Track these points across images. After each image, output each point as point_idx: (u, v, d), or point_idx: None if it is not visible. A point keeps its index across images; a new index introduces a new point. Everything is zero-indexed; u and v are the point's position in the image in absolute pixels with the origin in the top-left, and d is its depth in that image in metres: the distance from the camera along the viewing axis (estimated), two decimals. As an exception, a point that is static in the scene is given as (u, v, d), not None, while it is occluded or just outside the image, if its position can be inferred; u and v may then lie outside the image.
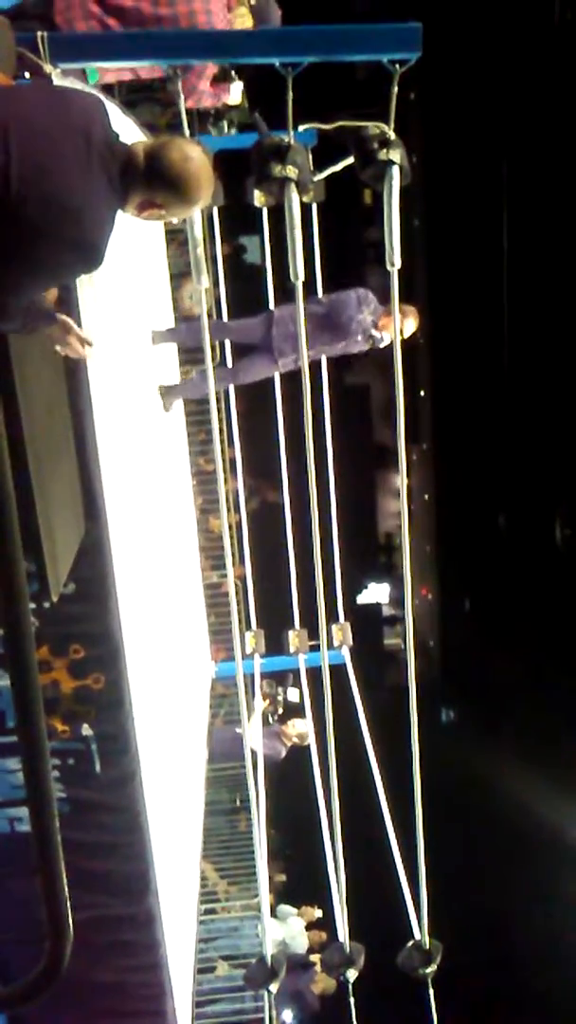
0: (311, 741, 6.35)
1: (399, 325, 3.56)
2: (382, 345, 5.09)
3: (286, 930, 7.46)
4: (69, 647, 3.28)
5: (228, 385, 5.80)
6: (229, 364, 6.05)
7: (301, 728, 6.81)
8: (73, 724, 3.37)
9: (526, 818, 14.67)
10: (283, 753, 6.84)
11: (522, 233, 17.69)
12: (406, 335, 4.90)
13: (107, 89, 4.13)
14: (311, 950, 7.29)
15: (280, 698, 7.18)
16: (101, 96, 2.34)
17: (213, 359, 4.13)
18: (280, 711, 7.18)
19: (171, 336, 5.52)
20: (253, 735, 6.01)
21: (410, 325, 4.92)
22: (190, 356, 6.74)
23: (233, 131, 4.88)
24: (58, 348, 2.46)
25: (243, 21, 3.85)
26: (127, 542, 3.58)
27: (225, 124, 4.87)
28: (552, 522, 18.90)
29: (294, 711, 7.10)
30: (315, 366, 5.95)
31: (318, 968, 6.72)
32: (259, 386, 5.80)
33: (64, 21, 3.39)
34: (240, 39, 3.08)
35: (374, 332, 5.05)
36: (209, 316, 4.03)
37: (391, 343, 3.96)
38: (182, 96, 3.11)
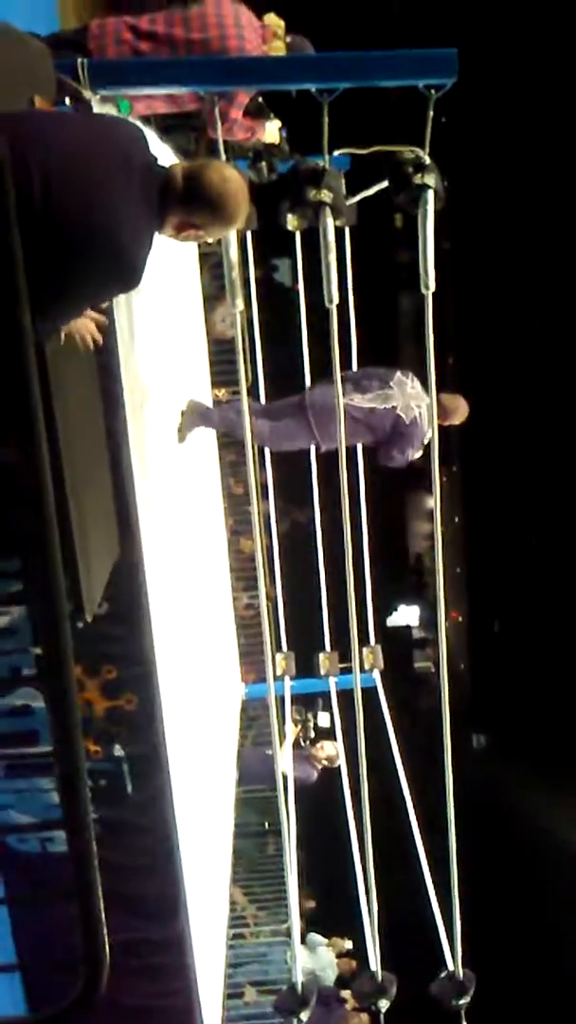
0: (341, 763, 6.31)
1: (443, 405, 3.36)
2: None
3: (315, 960, 7.36)
4: (102, 667, 3.29)
5: (263, 442, 5.31)
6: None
7: (330, 750, 6.76)
8: (105, 744, 3.37)
9: (562, 844, 14.41)
10: (314, 776, 6.79)
11: (555, 255, 17.66)
12: (456, 423, 4.77)
13: (144, 119, 4.19)
14: (341, 981, 7.19)
15: (311, 723, 7.14)
16: (139, 123, 2.38)
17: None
18: (311, 736, 7.13)
19: (203, 420, 5.05)
20: (284, 758, 5.97)
21: (461, 416, 4.75)
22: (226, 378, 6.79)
23: (273, 175, 4.87)
24: (75, 331, 2.42)
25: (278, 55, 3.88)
26: (160, 563, 3.59)
27: (264, 167, 4.88)
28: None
29: (324, 736, 7.06)
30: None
31: (348, 1004, 6.61)
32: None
33: (97, 48, 3.43)
34: (276, 64, 3.11)
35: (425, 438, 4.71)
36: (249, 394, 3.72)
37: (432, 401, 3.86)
38: (219, 123, 3.14)
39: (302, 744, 7.04)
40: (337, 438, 3.59)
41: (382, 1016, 4.11)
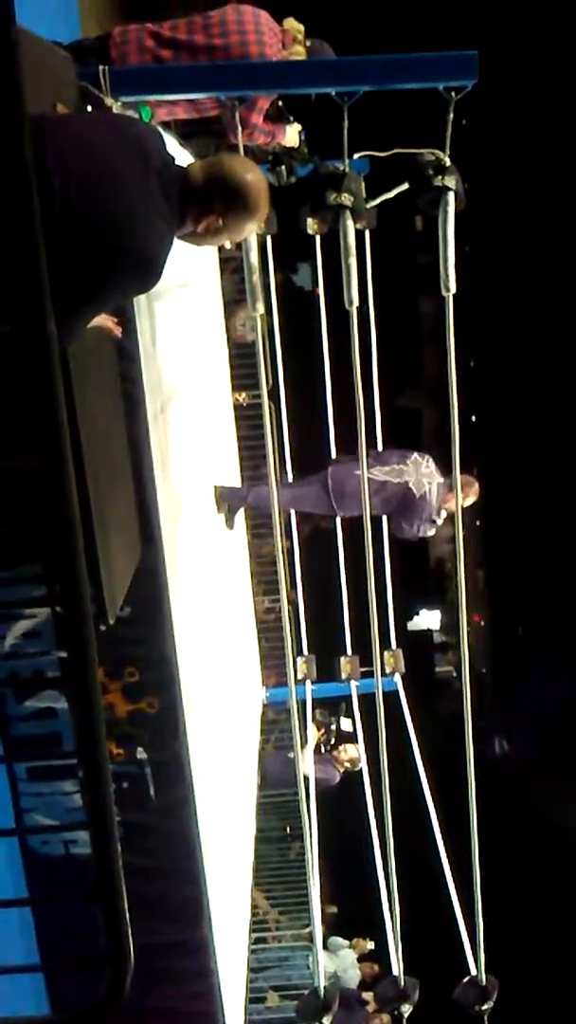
0: (363, 766, 6.29)
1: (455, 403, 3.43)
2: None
3: (337, 963, 7.34)
4: (124, 670, 3.30)
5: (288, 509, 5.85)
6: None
7: (352, 753, 6.76)
8: (128, 748, 3.38)
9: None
10: (336, 779, 6.78)
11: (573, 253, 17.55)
12: (466, 505, 4.79)
13: (164, 125, 4.21)
14: (363, 984, 7.16)
15: (333, 727, 7.13)
16: (157, 127, 2.39)
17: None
18: (333, 740, 7.12)
19: (233, 496, 5.40)
20: (306, 762, 5.97)
21: (472, 496, 4.84)
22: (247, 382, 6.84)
23: (292, 179, 4.89)
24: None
25: (298, 59, 3.88)
26: (181, 567, 3.60)
27: (284, 171, 4.89)
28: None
29: (347, 740, 7.05)
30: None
31: (370, 1006, 6.59)
32: (308, 424, 5.81)
33: (118, 56, 3.45)
34: (296, 69, 3.12)
35: (437, 516, 4.95)
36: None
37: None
38: (240, 128, 3.15)
39: (324, 750, 7.02)
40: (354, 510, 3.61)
41: (404, 1020, 4.10)
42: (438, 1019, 4.52)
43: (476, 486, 4.88)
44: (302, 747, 5.12)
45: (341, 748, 6.92)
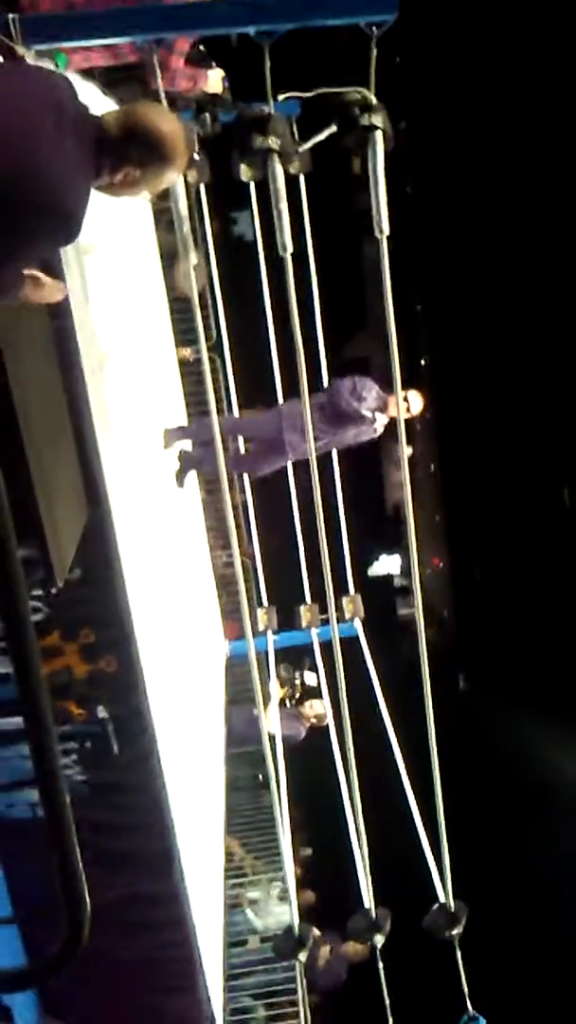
0: (329, 722, 6.37)
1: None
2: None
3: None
4: (79, 632, 3.30)
5: (243, 471, 5.95)
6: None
7: (319, 709, 6.82)
8: (88, 707, 3.40)
9: (549, 778, 14.75)
10: (302, 734, 6.85)
11: (522, 193, 17.47)
12: (414, 413, 4.97)
13: (86, 73, 4.09)
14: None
15: (298, 683, 7.18)
16: (80, 78, 2.32)
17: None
18: (298, 695, 7.18)
19: (183, 434, 5.55)
20: (271, 718, 6.03)
21: (415, 404, 4.94)
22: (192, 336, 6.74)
23: (218, 126, 4.78)
24: (35, 300, 2.37)
25: None
26: (131, 525, 3.59)
27: (208, 117, 4.78)
28: (560, 486, 18.85)
29: (312, 695, 7.10)
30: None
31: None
32: (254, 375, 5.80)
33: (29, 4, 3.33)
34: (211, 9, 3.03)
35: (379, 417, 5.09)
36: (220, 412, 3.95)
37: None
38: (158, 72, 3.08)
39: (288, 704, 7.07)
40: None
41: (378, 951, 4.22)
42: (414, 951, 4.67)
43: (417, 395, 4.98)
44: (265, 705, 5.17)
45: (307, 703, 6.96)
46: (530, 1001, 10.79)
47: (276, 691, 6.86)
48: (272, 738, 5.44)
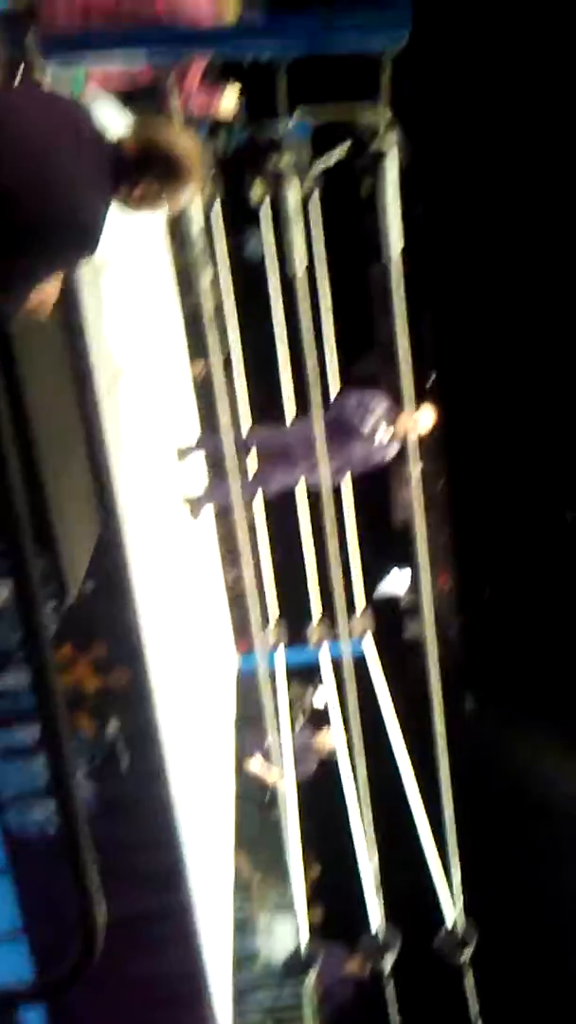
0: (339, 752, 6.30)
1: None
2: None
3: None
4: (92, 644, 3.31)
5: (254, 493, 5.86)
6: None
7: (331, 744, 6.73)
8: (99, 721, 3.40)
9: (559, 799, 14.61)
10: (314, 768, 6.79)
11: (522, 209, 17.46)
12: (422, 431, 4.94)
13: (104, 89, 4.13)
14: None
15: (305, 703, 7.12)
16: (85, 101, 2.37)
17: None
18: (304, 714, 7.12)
19: (197, 447, 5.56)
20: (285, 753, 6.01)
21: (427, 420, 4.93)
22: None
23: (232, 147, 4.81)
24: (42, 309, 2.38)
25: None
26: (143, 537, 3.61)
27: (222, 139, 4.82)
28: (563, 505, 18.74)
29: (319, 718, 7.04)
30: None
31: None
32: (270, 391, 5.80)
33: (49, 23, 3.37)
34: (226, 32, 3.07)
35: (385, 432, 5.04)
36: (236, 427, 3.94)
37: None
38: (175, 95, 3.11)
39: (295, 729, 6.98)
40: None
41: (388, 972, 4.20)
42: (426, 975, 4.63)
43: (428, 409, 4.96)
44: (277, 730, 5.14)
45: (319, 738, 6.88)
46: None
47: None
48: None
